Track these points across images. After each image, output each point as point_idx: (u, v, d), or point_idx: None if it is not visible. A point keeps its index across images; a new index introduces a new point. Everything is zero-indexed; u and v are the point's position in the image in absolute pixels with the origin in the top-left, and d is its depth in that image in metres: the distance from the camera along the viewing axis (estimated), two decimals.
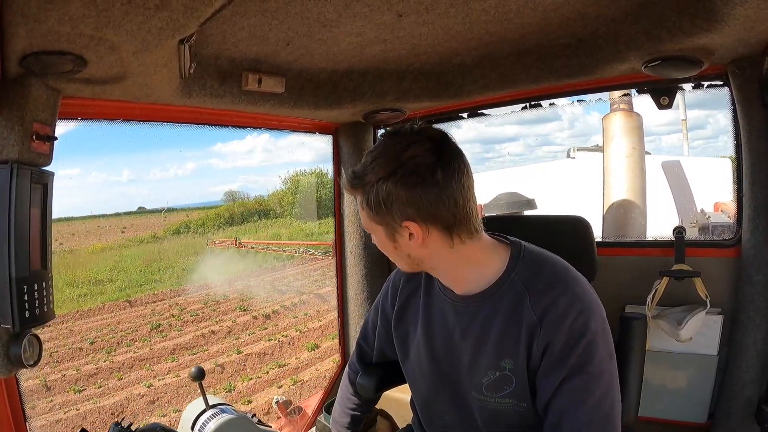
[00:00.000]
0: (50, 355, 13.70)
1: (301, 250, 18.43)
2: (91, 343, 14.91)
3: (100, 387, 12.03)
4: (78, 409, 10.84)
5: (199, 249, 28.94)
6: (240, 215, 37.43)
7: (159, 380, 12.23)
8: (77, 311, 18.72)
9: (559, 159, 11.87)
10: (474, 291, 1.50)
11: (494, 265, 1.49)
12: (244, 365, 12.83)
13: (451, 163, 1.37)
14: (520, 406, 1.45)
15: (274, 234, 31.11)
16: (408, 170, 1.35)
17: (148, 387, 11.81)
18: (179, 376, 12.18)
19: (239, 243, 20.72)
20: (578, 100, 2.76)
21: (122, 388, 11.93)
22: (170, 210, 40.97)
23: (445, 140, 1.40)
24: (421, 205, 1.36)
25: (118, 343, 14.98)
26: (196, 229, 35.27)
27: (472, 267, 1.49)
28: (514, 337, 1.42)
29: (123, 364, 13.24)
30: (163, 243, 32.53)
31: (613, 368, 1.40)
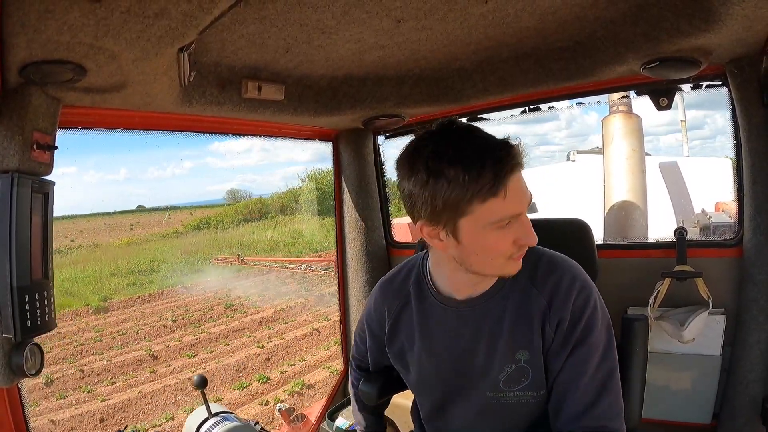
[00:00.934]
0: (137, 333, 16.12)
1: (303, 267, 18.48)
2: (174, 321, 16.87)
3: (212, 352, 14.09)
4: (204, 368, 12.60)
5: (228, 243, 30.39)
6: (258, 211, 37.89)
7: (267, 343, 14.24)
8: (138, 296, 20.47)
9: (558, 161, 11.88)
10: (478, 293, 1.51)
11: None
12: (335, 329, 13.59)
13: (432, 162, 1.33)
14: (538, 396, 1.47)
15: (295, 230, 31.67)
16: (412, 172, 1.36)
17: (261, 348, 13.84)
18: (284, 339, 14.41)
19: (241, 260, 20.83)
20: (577, 103, 2.77)
21: (233, 351, 14.01)
22: (174, 208, 41.82)
23: (435, 140, 1.36)
24: (424, 206, 1.35)
25: (199, 320, 16.83)
26: (216, 225, 36.05)
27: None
28: (526, 327, 1.45)
29: (219, 335, 15.35)
30: (186, 237, 33.64)
31: (610, 339, 1.45)
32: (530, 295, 1.46)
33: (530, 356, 1.45)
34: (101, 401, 11.47)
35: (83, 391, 12.08)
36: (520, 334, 1.45)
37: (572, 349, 1.41)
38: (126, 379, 12.67)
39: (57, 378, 12.62)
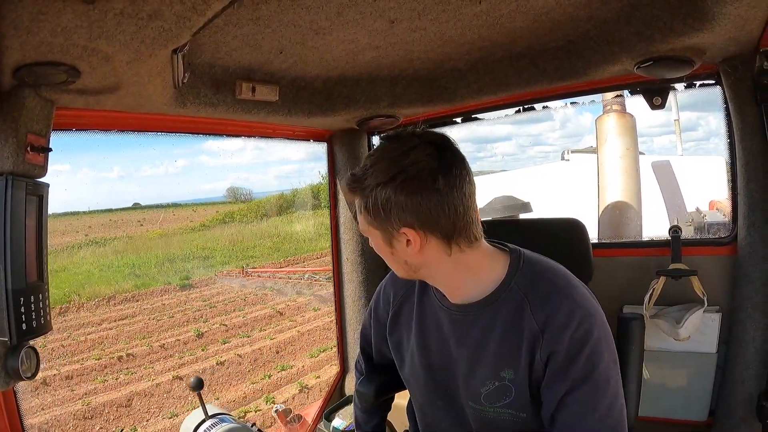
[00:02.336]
0: (244, 299, 18.73)
1: (306, 276, 18.69)
2: (244, 299, 18.96)
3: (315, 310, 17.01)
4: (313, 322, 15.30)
5: (267, 234, 32.32)
6: (278, 207, 38.65)
7: None
8: (209, 277, 22.24)
9: (552, 161, 11.90)
10: (472, 300, 1.47)
11: (493, 273, 1.46)
12: None
13: (452, 169, 1.34)
14: (519, 417, 1.43)
15: (319, 223, 32.35)
16: (408, 176, 1.31)
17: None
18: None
19: (246, 272, 21.04)
20: (571, 103, 2.78)
21: (313, 319, 16.32)
22: (176, 205, 42.60)
23: (447, 145, 1.37)
24: (421, 213, 1.32)
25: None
26: (241, 219, 37.19)
27: (470, 275, 1.45)
28: (514, 347, 1.40)
29: (299, 308, 17.77)
30: (214, 230, 34.82)
31: (618, 374, 1.38)
32: (524, 313, 1.40)
33: (515, 376, 1.40)
34: (270, 339, 14.88)
35: (240, 337, 15.34)
36: (509, 352, 1.41)
37: (573, 387, 1.33)
38: (266, 329, 15.93)
39: (205, 332, 15.72)
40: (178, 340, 15.22)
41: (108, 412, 10.88)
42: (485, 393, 1.44)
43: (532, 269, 1.45)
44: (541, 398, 1.39)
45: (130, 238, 31.04)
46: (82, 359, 13.81)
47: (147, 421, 10.89)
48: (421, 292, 1.63)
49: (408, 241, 1.37)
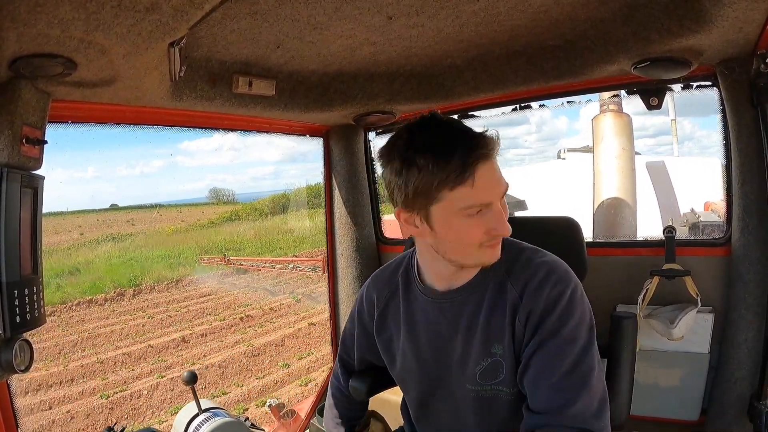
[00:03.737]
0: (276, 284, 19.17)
1: (291, 266, 18.74)
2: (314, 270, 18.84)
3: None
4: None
5: (279, 230, 33.40)
6: (281, 206, 39.01)
7: None
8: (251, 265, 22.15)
9: (550, 161, 11.91)
10: (457, 285, 1.51)
11: None
12: None
13: (405, 149, 1.39)
14: (511, 394, 1.45)
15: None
16: (387, 159, 1.42)
17: None
18: None
19: (228, 260, 21.13)
20: (568, 102, 2.78)
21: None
22: (161, 206, 43.09)
23: (408, 128, 1.41)
24: (397, 193, 1.41)
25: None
26: (247, 217, 38.06)
27: None
28: (499, 320, 1.44)
29: None
30: (223, 227, 35.77)
31: (591, 338, 1.39)
32: (505, 287, 1.45)
33: (504, 350, 1.43)
34: None
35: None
36: (495, 328, 1.45)
37: (542, 342, 1.36)
38: None
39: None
40: (282, 304, 16.69)
41: (269, 350, 12.57)
42: (480, 372, 1.47)
43: (512, 249, 1.51)
44: (520, 360, 1.42)
45: (147, 235, 32.12)
46: (203, 323, 15.19)
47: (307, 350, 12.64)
48: (405, 289, 1.65)
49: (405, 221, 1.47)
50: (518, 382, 1.41)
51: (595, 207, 5.70)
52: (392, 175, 1.38)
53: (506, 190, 1.39)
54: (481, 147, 1.31)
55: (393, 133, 1.43)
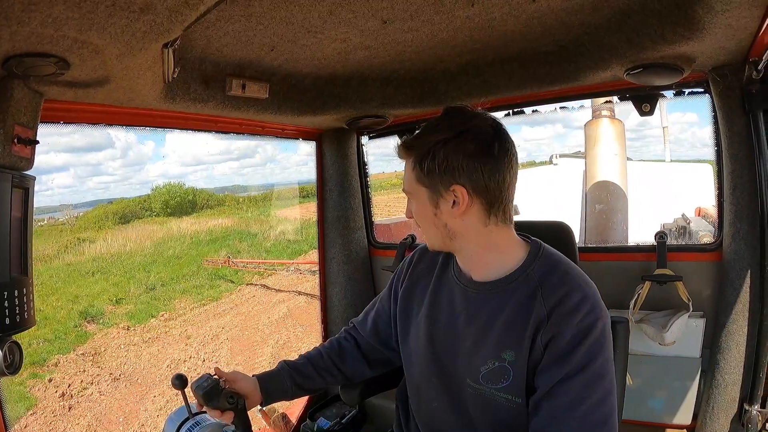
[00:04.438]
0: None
1: (292, 269, 18.55)
2: None
3: None
4: None
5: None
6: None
7: None
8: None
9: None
10: (490, 278, 1.52)
11: (515, 256, 1.52)
12: None
13: (506, 142, 1.44)
14: (514, 402, 1.44)
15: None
16: (471, 136, 1.41)
17: None
18: None
19: (231, 262, 20.72)
20: (561, 107, 2.79)
21: None
22: None
23: (502, 125, 1.48)
24: (474, 173, 1.41)
25: None
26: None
27: (496, 253, 1.52)
28: (520, 329, 1.42)
29: None
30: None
31: (612, 375, 1.39)
32: (535, 299, 1.43)
33: (516, 359, 1.42)
34: None
35: None
36: (513, 334, 1.43)
37: (569, 376, 1.34)
38: None
39: None
40: None
41: None
42: (484, 372, 1.47)
43: (550, 260, 1.51)
44: (535, 384, 1.41)
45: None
46: None
47: None
48: (441, 271, 1.69)
49: (455, 201, 1.44)
50: (532, 404, 1.40)
51: (587, 212, 5.72)
52: None
53: (405, 187, 1.54)
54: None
55: (472, 118, 1.47)
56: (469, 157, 1.40)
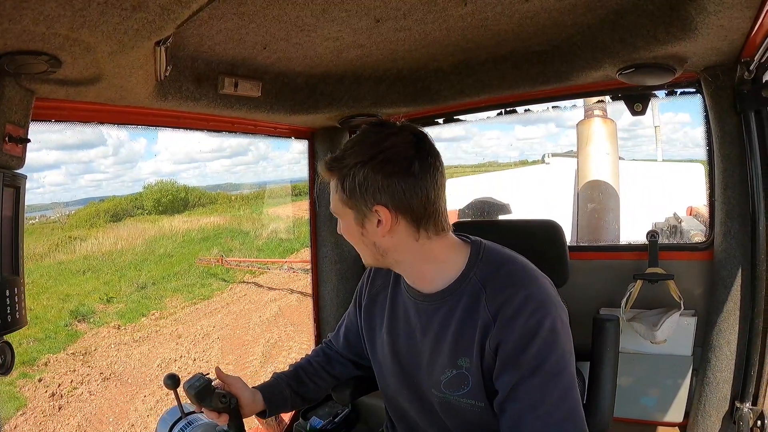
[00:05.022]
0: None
1: (285, 267, 18.45)
2: None
3: None
4: None
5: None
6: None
7: None
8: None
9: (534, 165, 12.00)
10: (435, 289, 1.52)
11: (455, 263, 1.50)
12: None
13: (428, 158, 1.41)
14: (477, 406, 1.45)
15: None
16: (387, 157, 1.39)
17: None
18: None
19: (225, 261, 20.61)
20: (553, 107, 2.80)
21: None
22: None
23: (425, 138, 1.45)
24: (395, 193, 1.39)
25: None
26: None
27: (434, 264, 1.50)
28: (469, 336, 1.43)
29: None
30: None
31: (571, 368, 1.38)
32: (479, 303, 1.43)
33: (470, 365, 1.44)
34: None
35: None
36: (464, 341, 1.44)
37: (523, 377, 1.34)
38: None
39: None
40: None
41: None
42: (444, 381, 1.48)
43: (491, 260, 1.49)
44: (493, 385, 1.41)
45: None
46: None
47: None
48: (394, 285, 1.68)
49: (379, 221, 1.42)
50: (497, 407, 1.40)
51: (579, 211, 5.74)
52: None
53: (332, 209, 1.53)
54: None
55: (389, 136, 1.45)
56: (388, 177, 1.39)
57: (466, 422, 1.50)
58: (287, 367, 1.91)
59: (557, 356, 1.35)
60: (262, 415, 1.77)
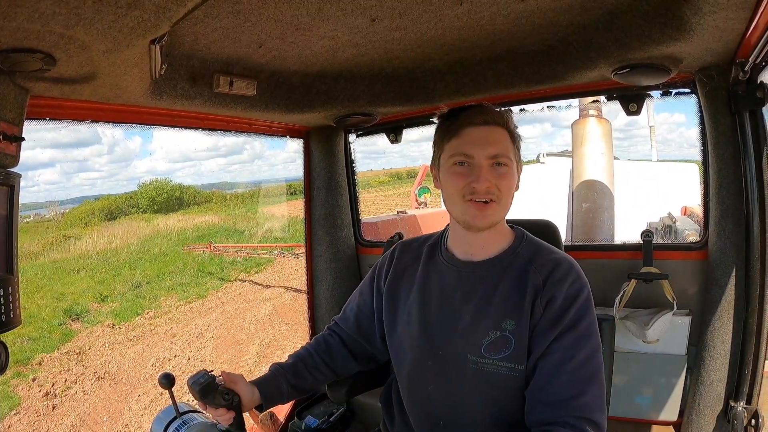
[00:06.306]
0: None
1: (275, 252, 18.32)
2: None
3: None
4: None
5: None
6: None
7: None
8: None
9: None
10: (486, 257, 1.67)
11: (506, 238, 1.70)
12: None
13: None
14: (516, 371, 1.53)
15: None
16: None
17: None
18: None
19: (214, 247, 20.47)
20: (548, 106, 2.80)
21: None
22: None
23: None
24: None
25: None
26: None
27: (495, 233, 1.68)
28: (518, 298, 1.57)
29: None
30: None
31: (598, 337, 1.55)
32: (528, 272, 1.59)
33: (516, 327, 1.54)
34: None
35: None
36: (512, 304, 1.56)
37: (561, 333, 1.50)
38: None
39: None
40: None
41: None
42: (486, 344, 1.56)
43: (534, 243, 1.71)
44: (532, 346, 1.54)
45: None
46: None
47: None
48: (428, 258, 1.80)
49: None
50: (530, 366, 1.53)
51: (574, 211, 5.74)
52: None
53: (494, 153, 1.57)
54: (479, 114, 1.60)
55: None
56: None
57: (491, 396, 1.57)
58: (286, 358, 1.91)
59: (590, 320, 1.54)
60: (258, 408, 1.79)
